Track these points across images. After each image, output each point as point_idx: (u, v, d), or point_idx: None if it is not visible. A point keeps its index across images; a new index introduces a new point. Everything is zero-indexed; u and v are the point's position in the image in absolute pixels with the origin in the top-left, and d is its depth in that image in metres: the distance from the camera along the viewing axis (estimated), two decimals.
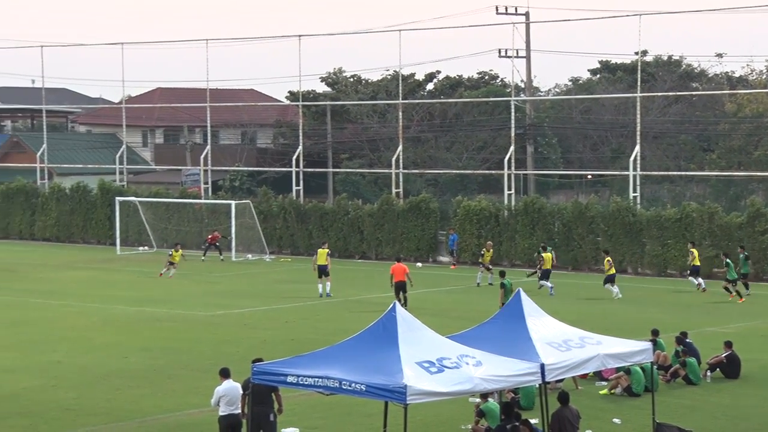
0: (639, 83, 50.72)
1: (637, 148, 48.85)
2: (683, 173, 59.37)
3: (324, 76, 74.39)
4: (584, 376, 22.72)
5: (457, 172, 62.36)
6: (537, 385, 18.34)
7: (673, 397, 22.87)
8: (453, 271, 47.27)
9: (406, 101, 60.25)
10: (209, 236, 51.63)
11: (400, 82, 58.19)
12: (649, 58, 66.81)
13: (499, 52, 57.64)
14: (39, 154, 64.98)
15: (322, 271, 38.00)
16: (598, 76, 74.31)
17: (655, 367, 21.91)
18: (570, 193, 63.98)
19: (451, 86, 73.77)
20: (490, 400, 19.56)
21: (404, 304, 32.02)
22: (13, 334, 31.17)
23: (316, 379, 15.81)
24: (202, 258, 50.72)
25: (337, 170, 65.19)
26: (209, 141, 61.78)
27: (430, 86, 74.76)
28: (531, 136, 58.92)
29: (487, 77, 75.63)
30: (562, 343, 17.40)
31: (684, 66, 71.99)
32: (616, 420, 20.95)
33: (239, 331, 31.45)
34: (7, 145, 77.63)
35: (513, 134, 52.48)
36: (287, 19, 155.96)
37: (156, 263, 46.93)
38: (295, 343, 27.98)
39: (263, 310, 35.47)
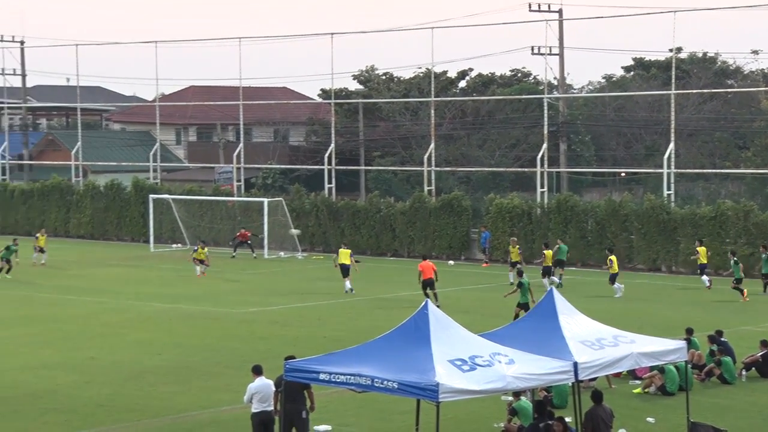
0: (673, 80, 50.37)
1: (672, 145, 48.53)
2: (718, 171, 58.94)
3: (356, 73, 74.49)
4: (618, 375, 22.61)
5: (490, 169, 62.17)
6: (570, 384, 18.27)
7: (708, 397, 22.71)
8: (485, 269, 47.18)
9: (439, 99, 60.08)
10: (237, 233, 51.97)
11: (432, 79, 58.06)
12: (683, 55, 66.34)
13: (532, 49, 57.32)
14: (74, 151, 65.48)
15: (346, 270, 38.77)
16: (631, 73, 73.84)
17: (689, 366, 21.76)
18: (603, 190, 63.58)
19: (483, 84, 73.56)
20: (523, 398, 19.50)
21: (435, 300, 32.12)
22: (48, 330, 31.43)
23: (349, 377, 15.84)
24: (233, 255, 50.93)
25: (369, 168, 65.15)
26: (242, 139, 61.93)
27: (462, 84, 74.60)
28: (564, 133, 58.56)
29: (519, 75, 75.33)
30: (595, 342, 17.31)
31: (719, 63, 71.38)
32: (650, 419, 20.82)
33: (272, 328, 31.55)
34: (43, 143, 78.39)
35: (546, 132, 52.32)
36: (319, 17, 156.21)
37: (189, 261, 47.10)
38: (328, 341, 28.05)
39: (296, 308, 35.55)
